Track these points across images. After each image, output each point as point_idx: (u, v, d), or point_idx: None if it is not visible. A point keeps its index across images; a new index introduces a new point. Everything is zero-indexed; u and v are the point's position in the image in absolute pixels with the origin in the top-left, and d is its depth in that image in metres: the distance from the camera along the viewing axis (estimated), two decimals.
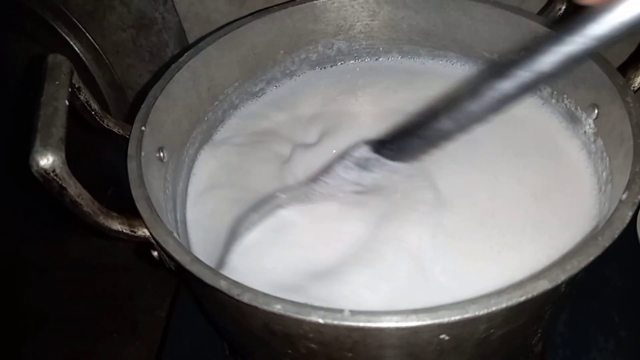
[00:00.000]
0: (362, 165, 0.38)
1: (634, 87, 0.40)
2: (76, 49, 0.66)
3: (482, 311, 0.27)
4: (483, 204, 0.42)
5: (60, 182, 0.29)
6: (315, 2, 0.52)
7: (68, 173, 0.30)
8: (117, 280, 0.78)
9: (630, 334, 0.52)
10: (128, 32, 0.68)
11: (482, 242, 0.39)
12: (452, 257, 0.39)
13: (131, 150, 0.38)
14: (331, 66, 0.57)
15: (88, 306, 0.76)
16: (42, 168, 0.28)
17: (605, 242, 0.30)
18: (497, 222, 0.41)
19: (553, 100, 0.47)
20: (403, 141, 0.35)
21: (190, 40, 0.69)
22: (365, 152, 0.37)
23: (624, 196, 0.32)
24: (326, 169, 0.41)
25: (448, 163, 0.43)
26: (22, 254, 0.79)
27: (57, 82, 0.33)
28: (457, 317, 0.27)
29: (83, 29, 0.66)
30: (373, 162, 0.37)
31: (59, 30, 0.65)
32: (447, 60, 0.54)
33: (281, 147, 0.49)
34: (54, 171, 0.29)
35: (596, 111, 0.42)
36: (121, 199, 0.35)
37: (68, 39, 0.66)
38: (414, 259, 0.38)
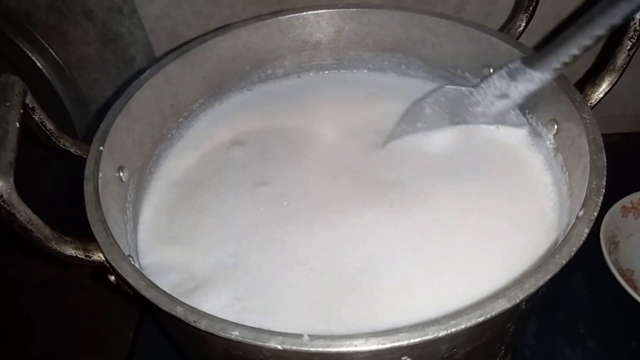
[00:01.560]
0: (513, 75, 0.42)
1: (590, 103, 0.41)
2: (38, 64, 0.65)
3: (442, 333, 0.27)
4: (443, 217, 0.42)
5: (8, 208, 0.28)
6: (280, 18, 0.52)
7: (17, 198, 0.29)
8: (83, 299, 0.76)
9: (596, 344, 0.52)
10: (93, 46, 0.66)
11: (441, 257, 0.39)
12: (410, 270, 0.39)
13: (88, 171, 0.37)
14: (298, 77, 0.57)
15: (53, 326, 0.73)
16: None
17: (562, 259, 0.30)
18: (454, 236, 0.41)
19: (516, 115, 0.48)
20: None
21: (158, 54, 0.69)
22: (517, 64, 0.42)
23: (581, 213, 0.32)
24: (483, 79, 0.45)
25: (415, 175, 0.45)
26: None
27: (7, 104, 0.32)
28: (417, 340, 0.27)
29: (45, 44, 0.65)
30: (521, 72, 0.42)
31: (20, 45, 0.64)
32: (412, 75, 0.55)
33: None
34: (0, 197, 0.28)
35: (556, 127, 0.42)
36: (82, 220, 0.34)
37: (30, 54, 0.65)
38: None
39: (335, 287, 0.38)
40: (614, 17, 0.34)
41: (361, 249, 0.40)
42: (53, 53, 0.65)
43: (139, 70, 0.68)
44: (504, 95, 0.43)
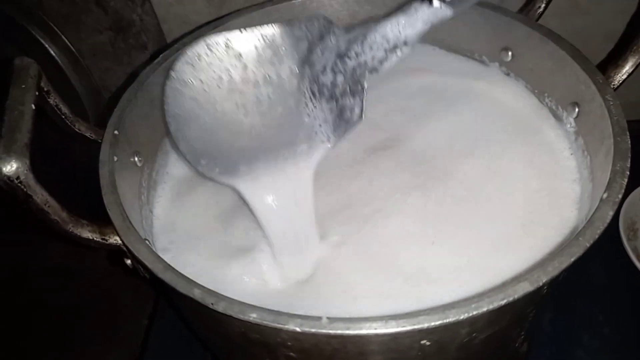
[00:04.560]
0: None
1: (613, 84, 0.39)
2: (52, 52, 0.65)
3: (463, 316, 0.27)
4: (466, 195, 0.41)
5: (25, 190, 0.28)
6: (293, 1, 0.51)
7: (33, 180, 0.28)
8: (98, 286, 0.77)
9: (614, 332, 0.52)
10: (105, 34, 0.66)
11: (462, 238, 0.39)
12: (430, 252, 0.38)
13: (103, 155, 0.37)
14: None
15: (68, 312, 0.74)
16: (5, 175, 0.27)
17: (586, 242, 0.29)
18: (480, 216, 0.40)
19: (535, 99, 0.47)
20: None
21: (170, 42, 0.68)
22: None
23: (605, 195, 0.31)
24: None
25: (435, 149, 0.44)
26: (0, 260, 0.77)
27: (23, 86, 0.32)
28: (438, 322, 0.26)
29: (59, 32, 0.65)
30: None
31: (34, 33, 0.64)
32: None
33: None
34: (17, 178, 0.28)
35: (577, 110, 0.41)
36: (98, 203, 0.34)
37: (43, 42, 0.65)
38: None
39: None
40: None
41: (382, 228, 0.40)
42: (66, 41, 0.65)
43: (151, 56, 0.68)
44: (394, 47, 0.36)
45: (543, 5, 0.47)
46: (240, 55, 0.35)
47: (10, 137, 0.28)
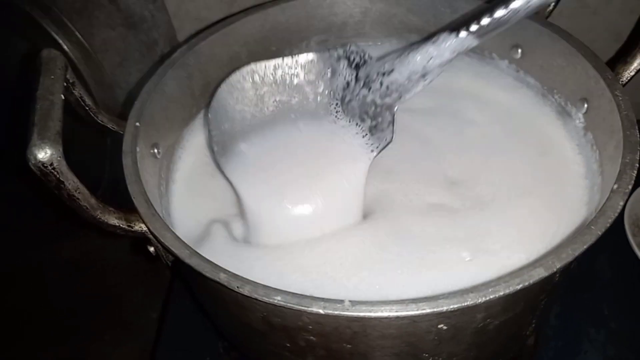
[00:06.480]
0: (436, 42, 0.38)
1: (622, 81, 0.41)
2: (65, 47, 0.65)
3: (481, 299, 0.28)
4: (474, 194, 0.42)
5: (57, 176, 0.29)
6: None
7: (66, 167, 0.29)
8: (108, 282, 0.77)
9: (619, 325, 0.53)
10: (117, 30, 0.67)
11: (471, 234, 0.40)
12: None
13: (126, 145, 0.37)
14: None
15: (79, 308, 0.75)
16: (40, 161, 0.28)
17: (598, 230, 0.30)
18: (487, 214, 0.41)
19: (543, 96, 0.48)
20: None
21: (180, 39, 0.69)
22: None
23: (615, 186, 0.33)
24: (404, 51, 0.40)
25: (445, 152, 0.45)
26: (11, 255, 0.78)
27: (52, 77, 0.33)
28: (456, 306, 0.27)
29: (72, 27, 0.66)
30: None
31: (47, 28, 0.64)
32: None
33: None
34: (51, 164, 0.28)
35: (585, 105, 0.42)
36: (114, 195, 0.35)
37: (57, 37, 0.65)
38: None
39: None
40: None
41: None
42: (79, 36, 0.66)
43: (161, 54, 0.69)
44: (422, 76, 0.38)
45: (553, 4, 0.48)
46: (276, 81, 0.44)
47: (44, 125, 0.29)
